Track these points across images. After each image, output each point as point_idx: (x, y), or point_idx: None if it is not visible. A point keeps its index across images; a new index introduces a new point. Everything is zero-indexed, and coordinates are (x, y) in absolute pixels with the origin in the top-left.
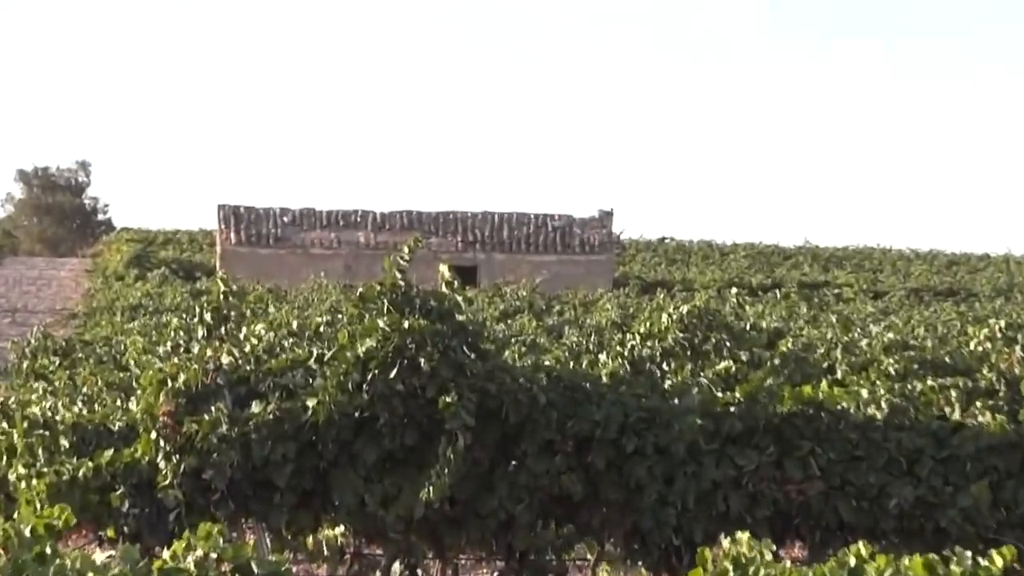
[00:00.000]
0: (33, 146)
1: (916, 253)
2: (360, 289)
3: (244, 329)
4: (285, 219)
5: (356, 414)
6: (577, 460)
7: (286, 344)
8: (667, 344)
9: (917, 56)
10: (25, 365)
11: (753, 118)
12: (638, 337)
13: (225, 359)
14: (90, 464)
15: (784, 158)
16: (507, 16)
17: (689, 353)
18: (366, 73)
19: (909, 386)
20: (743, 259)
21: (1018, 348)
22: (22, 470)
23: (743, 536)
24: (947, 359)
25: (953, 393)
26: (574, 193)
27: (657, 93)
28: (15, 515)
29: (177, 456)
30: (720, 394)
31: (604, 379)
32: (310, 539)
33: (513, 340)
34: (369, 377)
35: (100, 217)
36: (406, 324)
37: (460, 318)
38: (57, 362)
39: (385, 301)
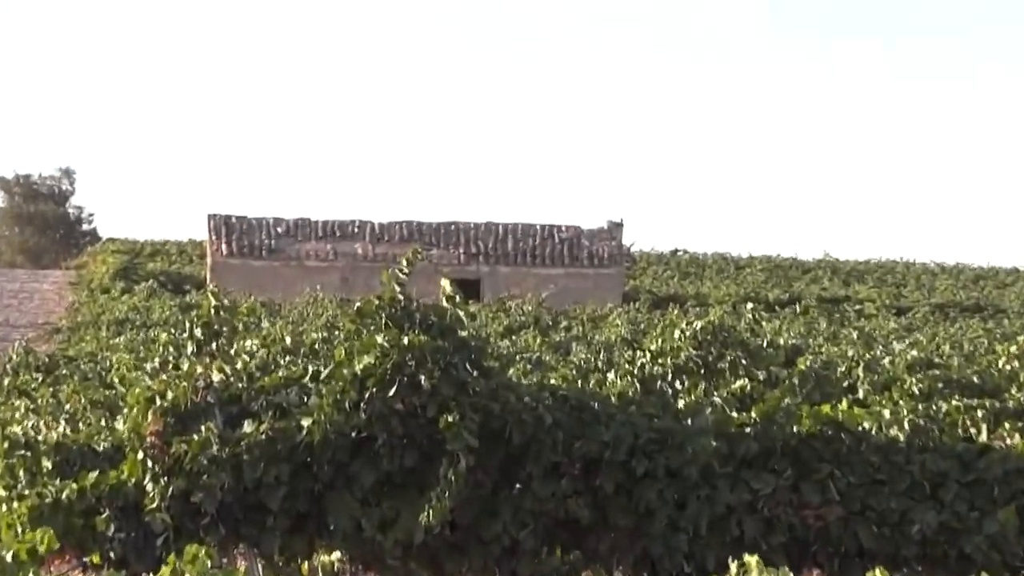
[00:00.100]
0: (14, 152)
1: (941, 267)
2: (357, 303)
3: (236, 345)
4: (279, 229)
5: (353, 434)
6: (584, 483)
7: (280, 361)
8: (680, 362)
9: (951, 60)
10: (6, 382)
11: (771, 125)
12: (649, 355)
13: (216, 376)
14: (74, 486)
15: (804, 167)
16: (512, 15)
17: (703, 371)
18: (363, 76)
19: (934, 406)
20: (760, 273)
21: None
22: (2, 492)
23: (752, 560)
24: (974, 378)
25: (979, 414)
26: (582, 203)
27: (669, 99)
28: None
29: (165, 478)
30: (735, 414)
31: (613, 398)
32: (304, 565)
33: (518, 357)
34: (367, 395)
35: (85, 227)
36: (406, 340)
37: (462, 334)
38: (40, 379)
39: (384, 316)
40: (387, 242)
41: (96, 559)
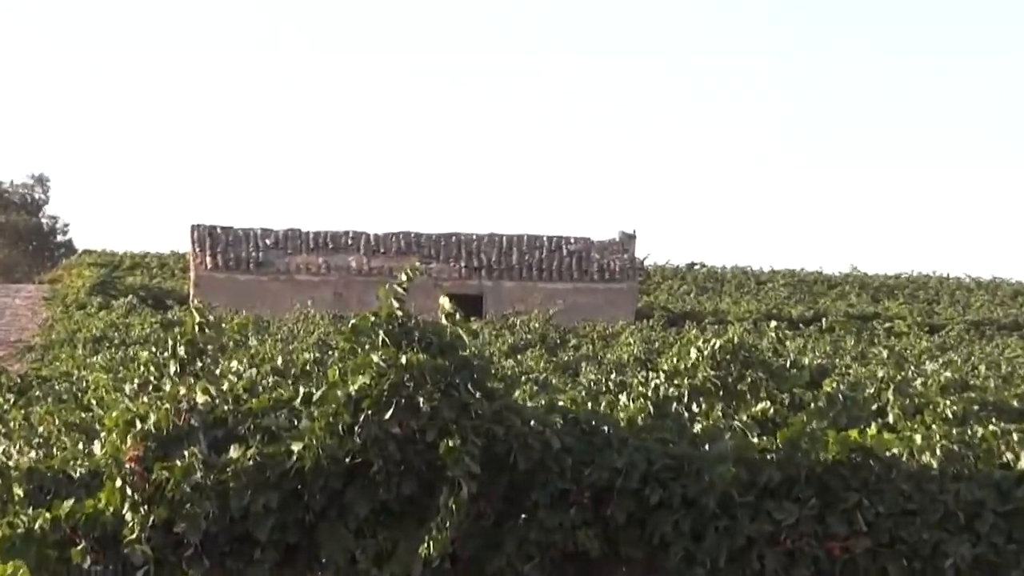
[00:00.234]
0: None
1: (977, 282)
2: (352, 320)
3: (222, 365)
4: (267, 241)
5: (347, 460)
6: (594, 513)
7: (268, 382)
8: (696, 383)
9: (987, 65)
10: None
11: (795, 130)
12: (664, 375)
13: (200, 398)
14: (48, 515)
15: (829, 175)
16: (516, 16)
17: (721, 394)
18: (358, 79)
19: (969, 431)
20: (782, 288)
21: None
22: None
23: None
24: (1012, 401)
25: (1017, 438)
26: (592, 213)
27: (685, 102)
28: None
29: (146, 507)
30: (756, 439)
31: (625, 422)
32: None
33: (523, 378)
34: (361, 418)
35: (59, 238)
36: (404, 359)
37: (464, 353)
38: (11, 400)
39: (380, 333)
40: (383, 255)
41: None
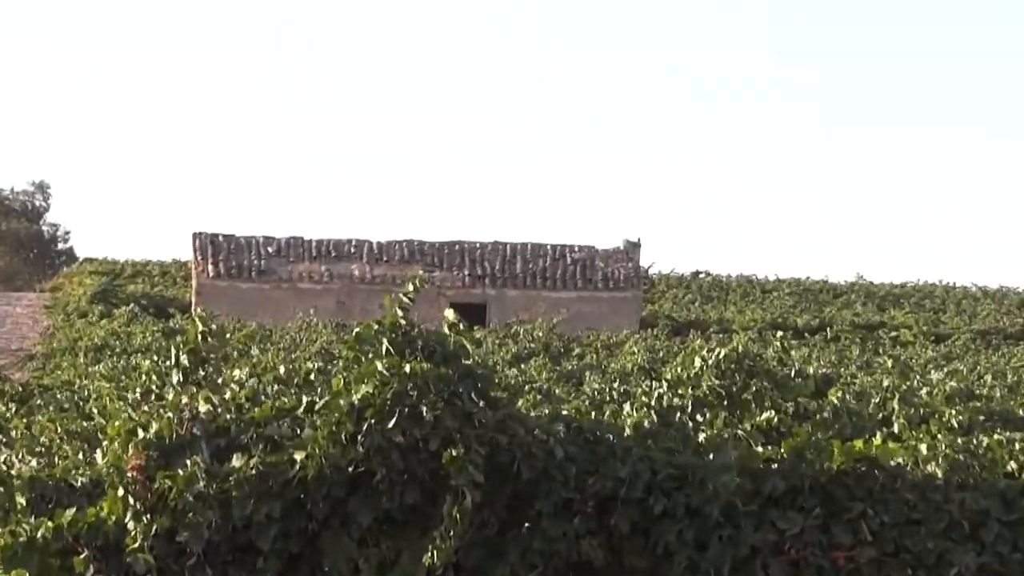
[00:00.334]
0: None
1: (983, 291)
2: (355, 328)
3: (224, 373)
4: (269, 249)
5: (350, 469)
6: (598, 522)
7: (271, 391)
8: (701, 393)
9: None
10: None
11: (800, 139)
12: (668, 385)
13: (203, 407)
14: (50, 524)
15: (835, 183)
16: (519, 23)
17: (726, 403)
18: (361, 86)
19: (974, 441)
20: (787, 297)
21: None
22: None
23: None
24: (1018, 411)
25: (1021, 447)
26: (596, 221)
27: (688, 110)
28: None
29: (148, 516)
30: (760, 449)
31: (629, 431)
32: None
33: (527, 387)
34: (365, 427)
35: (60, 246)
36: (407, 368)
37: (467, 362)
38: (13, 409)
39: (384, 342)
40: (386, 263)
41: None
